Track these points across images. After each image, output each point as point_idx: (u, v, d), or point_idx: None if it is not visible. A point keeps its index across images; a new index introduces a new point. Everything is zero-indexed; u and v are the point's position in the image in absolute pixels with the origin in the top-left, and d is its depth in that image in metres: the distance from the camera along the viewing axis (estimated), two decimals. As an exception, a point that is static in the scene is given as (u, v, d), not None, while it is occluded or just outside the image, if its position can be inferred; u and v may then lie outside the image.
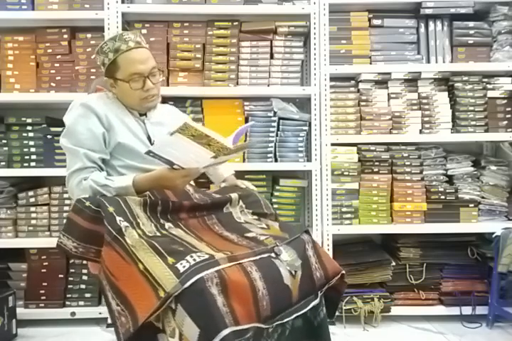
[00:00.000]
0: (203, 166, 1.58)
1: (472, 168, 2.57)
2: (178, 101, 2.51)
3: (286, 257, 1.44)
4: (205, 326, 1.20)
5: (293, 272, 1.43)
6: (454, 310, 2.47)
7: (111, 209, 1.40)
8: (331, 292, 1.63)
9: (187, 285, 1.22)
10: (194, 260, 1.28)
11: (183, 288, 1.22)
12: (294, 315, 1.44)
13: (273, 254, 1.42)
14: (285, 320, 1.41)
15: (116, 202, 1.44)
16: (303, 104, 2.68)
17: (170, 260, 1.30)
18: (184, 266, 1.26)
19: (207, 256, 1.31)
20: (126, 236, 1.36)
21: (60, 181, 2.23)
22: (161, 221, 1.50)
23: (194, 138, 1.40)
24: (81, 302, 2.48)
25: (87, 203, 1.44)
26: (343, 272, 1.63)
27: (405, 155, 2.54)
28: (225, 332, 1.20)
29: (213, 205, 1.63)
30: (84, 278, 2.49)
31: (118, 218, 1.39)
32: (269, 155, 2.50)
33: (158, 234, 1.43)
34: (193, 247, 1.38)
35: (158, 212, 1.50)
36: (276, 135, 2.51)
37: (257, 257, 1.39)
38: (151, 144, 1.70)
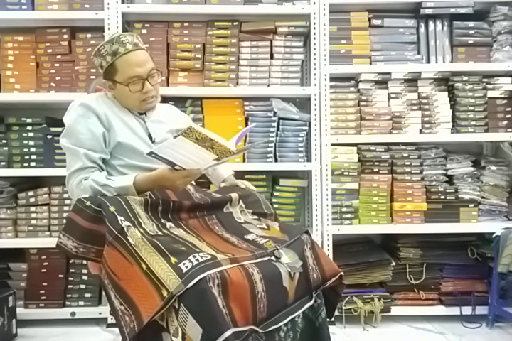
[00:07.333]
0: (205, 167, 1.58)
1: (472, 168, 2.57)
2: (178, 101, 2.50)
3: (286, 260, 1.44)
4: (207, 326, 1.20)
5: (292, 274, 1.43)
6: (454, 310, 2.46)
7: (112, 208, 1.40)
8: (329, 293, 1.64)
9: (190, 285, 1.22)
10: (197, 260, 1.28)
11: (185, 288, 1.22)
12: (289, 318, 1.44)
13: (273, 258, 1.43)
14: (279, 324, 1.40)
15: (117, 201, 1.44)
16: (303, 104, 2.68)
17: (173, 260, 1.29)
18: (187, 266, 1.26)
19: (209, 257, 1.31)
20: (129, 235, 1.35)
21: (60, 181, 2.23)
22: (162, 220, 1.49)
23: (198, 142, 1.41)
24: (81, 302, 2.48)
25: (88, 203, 1.44)
26: (342, 273, 1.63)
27: (405, 155, 2.54)
28: (228, 333, 1.21)
29: (214, 205, 1.63)
30: (84, 278, 2.49)
31: (119, 217, 1.38)
32: (269, 155, 2.50)
33: (160, 233, 1.43)
34: (195, 247, 1.38)
35: (159, 212, 1.50)
36: (276, 135, 2.51)
37: (258, 260, 1.39)
38: (152, 142, 1.71)
